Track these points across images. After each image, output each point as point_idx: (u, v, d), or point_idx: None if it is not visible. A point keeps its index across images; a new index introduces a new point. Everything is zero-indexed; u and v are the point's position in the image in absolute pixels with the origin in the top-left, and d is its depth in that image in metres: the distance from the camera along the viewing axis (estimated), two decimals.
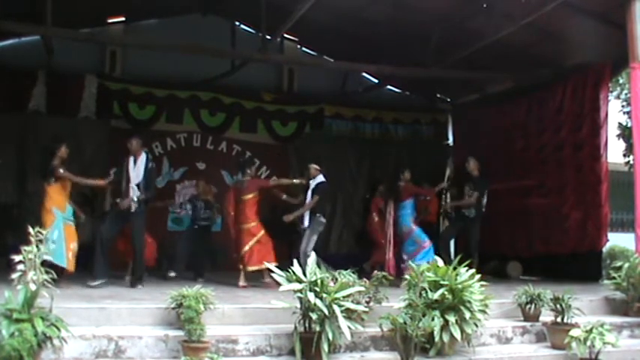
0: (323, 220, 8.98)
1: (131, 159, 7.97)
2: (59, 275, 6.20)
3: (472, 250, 9.39)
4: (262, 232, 8.67)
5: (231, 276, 8.60)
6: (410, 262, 8.93)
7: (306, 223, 8.75)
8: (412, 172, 9.97)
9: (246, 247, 8.52)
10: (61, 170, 7.56)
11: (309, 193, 8.89)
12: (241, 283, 8.38)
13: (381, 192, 10.30)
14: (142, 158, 8.03)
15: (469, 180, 9.91)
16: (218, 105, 11.85)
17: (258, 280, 8.46)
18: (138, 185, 7.86)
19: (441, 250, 9.23)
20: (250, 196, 8.68)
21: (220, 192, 10.02)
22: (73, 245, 7.59)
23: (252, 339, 5.48)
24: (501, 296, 6.89)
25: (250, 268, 8.46)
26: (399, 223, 9.56)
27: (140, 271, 7.94)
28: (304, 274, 5.46)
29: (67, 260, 7.41)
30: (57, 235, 7.29)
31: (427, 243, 9.35)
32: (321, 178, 8.96)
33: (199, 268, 9.19)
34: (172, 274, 8.98)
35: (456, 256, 6.42)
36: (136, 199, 7.81)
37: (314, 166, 9.06)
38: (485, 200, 9.83)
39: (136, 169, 7.93)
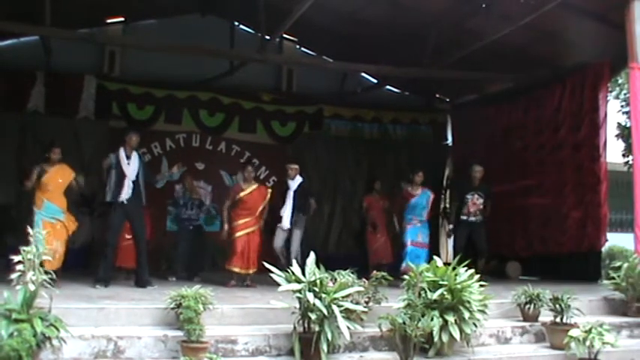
0: (304, 217, 9.09)
1: (123, 154, 7.93)
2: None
3: (482, 253, 9.51)
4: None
5: (231, 276, 8.59)
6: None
7: (288, 224, 8.80)
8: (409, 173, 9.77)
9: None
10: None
11: (291, 193, 8.92)
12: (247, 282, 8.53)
13: (377, 190, 10.33)
14: (135, 156, 8.03)
15: (473, 188, 9.74)
16: (217, 105, 11.83)
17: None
18: (133, 182, 7.86)
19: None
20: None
21: (218, 191, 10.00)
22: (56, 244, 7.41)
23: (251, 339, 5.48)
24: (500, 296, 6.89)
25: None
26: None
27: (145, 271, 7.92)
28: (303, 273, 5.47)
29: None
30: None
31: (408, 244, 9.10)
32: (300, 178, 9.02)
33: (194, 267, 9.20)
34: (172, 278, 8.97)
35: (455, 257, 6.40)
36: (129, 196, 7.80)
37: (294, 166, 9.09)
38: None
39: (131, 166, 7.92)
